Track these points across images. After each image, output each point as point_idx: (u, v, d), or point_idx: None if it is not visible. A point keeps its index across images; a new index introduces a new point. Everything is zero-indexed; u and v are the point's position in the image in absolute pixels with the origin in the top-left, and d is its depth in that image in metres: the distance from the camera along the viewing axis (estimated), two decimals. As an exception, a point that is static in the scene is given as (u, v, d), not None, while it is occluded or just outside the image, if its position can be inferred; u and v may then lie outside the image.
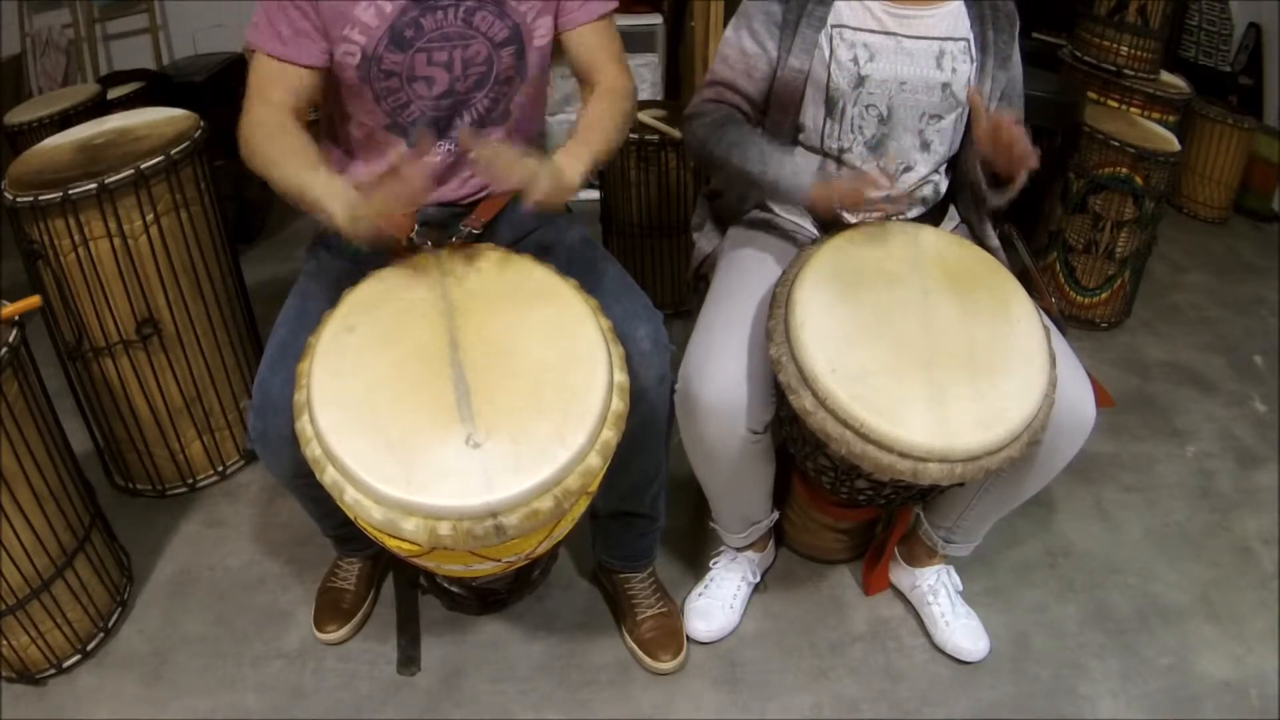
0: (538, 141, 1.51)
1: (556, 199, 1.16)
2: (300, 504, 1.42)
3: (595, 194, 2.62)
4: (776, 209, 1.51)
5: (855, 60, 1.34)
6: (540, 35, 1.32)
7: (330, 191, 1.12)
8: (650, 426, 1.29)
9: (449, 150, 1.36)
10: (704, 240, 1.59)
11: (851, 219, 1.45)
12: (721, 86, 1.42)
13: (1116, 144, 2.29)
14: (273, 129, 1.20)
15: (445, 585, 1.51)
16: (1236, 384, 2.29)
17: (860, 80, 1.34)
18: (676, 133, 2.20)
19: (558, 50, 1.38)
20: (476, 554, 1.07)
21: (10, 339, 1.33)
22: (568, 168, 1.19)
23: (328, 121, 1.42)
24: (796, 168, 1.33)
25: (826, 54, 1.35)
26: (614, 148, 1.30)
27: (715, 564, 1.62)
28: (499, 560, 1.14)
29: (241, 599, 1.65)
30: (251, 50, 1.25)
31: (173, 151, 1.63)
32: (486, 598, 1.53)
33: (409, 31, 1.24)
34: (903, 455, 1.10)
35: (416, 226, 1.36)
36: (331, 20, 1.22)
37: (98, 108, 2.48)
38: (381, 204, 1.09)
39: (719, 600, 1.57)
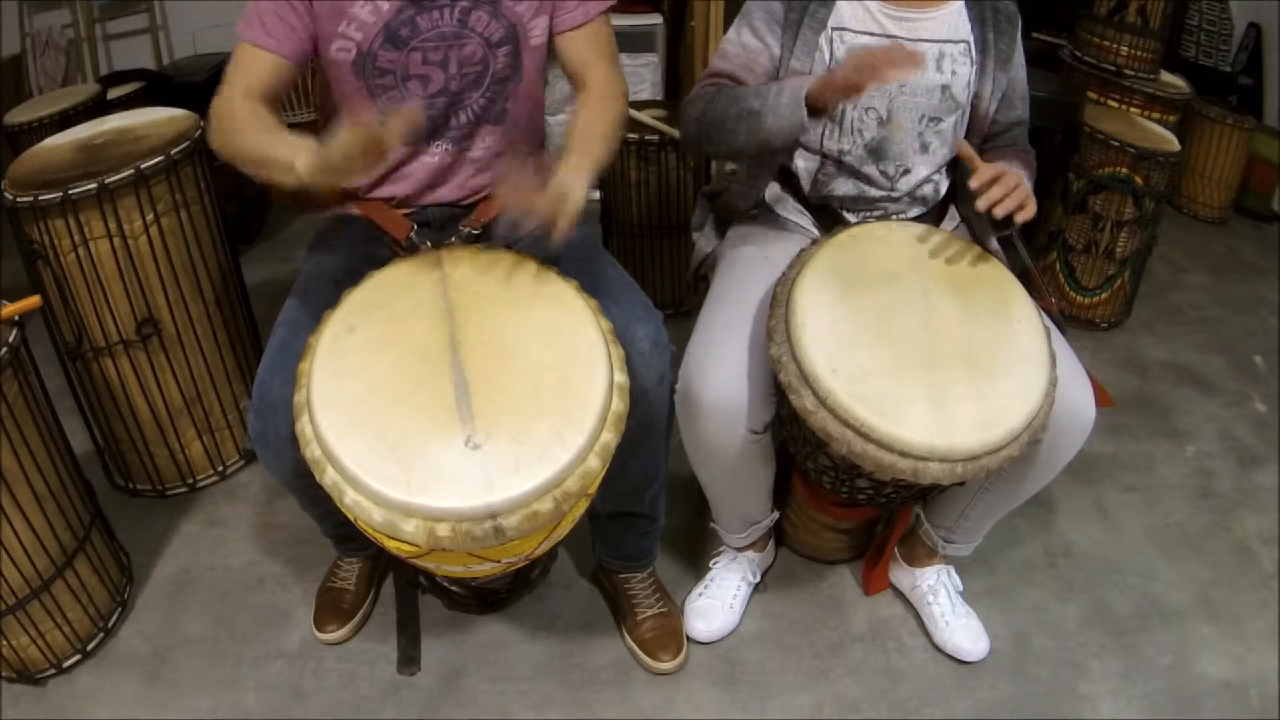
0: (536, 142, 1.51)
1: (570, 223, 1.16)
2: (300, 504, 1.42)
3: (595, 194, 2.62)
4: (777, 208, 1.51)
5: (855, 62, 1.34)
6: (536, 36, 1.32)
7: (292, 143, 1.11)
8: (650, 427, 1.29)
9: (446, 150, 1.36)
10: (704, 240, 1.59)
11: (852, 219, 1.45)
12: (720, 78, 1.41)
13: (1116, 144, 2.29)
14: (235, 107, 1.21)
15: (445, 585, 1.51)
16: (1236, 384, 2.29)
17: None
18: (677, 132, 2.20)
19: (553, 51, 1.38)
20: (476, 555, 1.07)
21: (10, 339, 1.33)
22: (575, 184, 1.19)
23: (325, 121, 1.42)
24: (793, 83, 1.28)
25: (827, 56, 1.35)
26: (612, 152, 1.30)
27: (715, 564, 1.62)
28: (498, 561, 1.14)
29: (241, 599, 1.65)
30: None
31: (173, 151, 1.63)
32: (486, 597, 1.53)
33: (404, 30, 1.24)
34: (903, 455, 1.10)
35: (415, 227, 1.36)
36: (327, 17, 1.22)
37: (98, 108, 2.48)
38: (346, 144, 1.03)
39: (719, 600, 1.57)
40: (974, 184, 1.23)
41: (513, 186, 1.14)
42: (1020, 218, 1.25)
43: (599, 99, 1.33)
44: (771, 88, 1.31)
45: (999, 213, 1.22)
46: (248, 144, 1.17)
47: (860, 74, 1.18)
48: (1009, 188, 1.22)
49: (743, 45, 1.39)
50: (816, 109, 1.27)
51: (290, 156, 1.09)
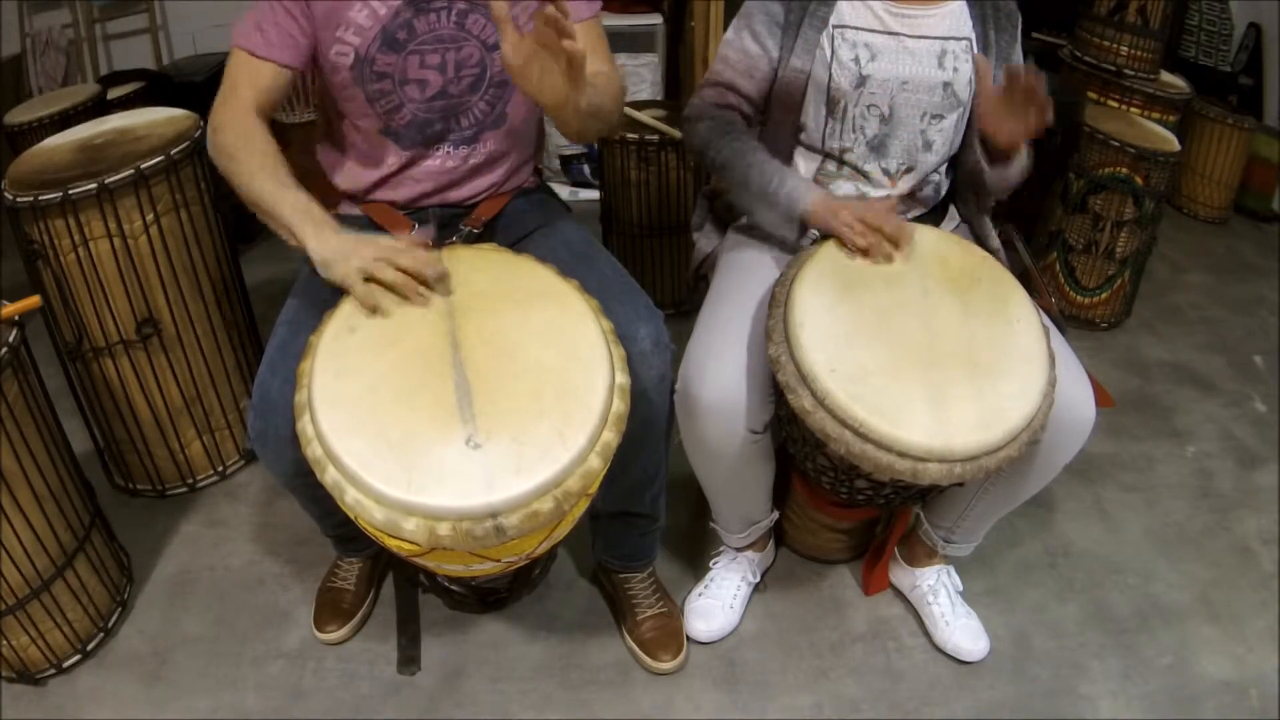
0: (536, 144, 1.51)
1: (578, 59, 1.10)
2: (300, 504, 1.42)
3: (595, 194, 2.62)
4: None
5: (857, 60, 1.34)
6: None
7: (302, 210, 1.16)
8: (650, 426, 1.29)
9: (447, 154, 1.36)
10: (704, 240, 1.59)
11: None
12: (722, 87, 1.42)
13: (1116, 144, 2.29)
14: (243, 132, 1.20)
15: (445, 584, 1.51)
16: (1236, 384, 2.29)
17: (862, 80, 1.34)
18: (676, 133, 2.20)
19: None
20: (476, 554, 1.07)
21: (10, 339, 1.33)
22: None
23: (325, 123, 1.42)
24: (796, 187, 1.33)
25: (828, 54, 1.35)
26: (610, 108, 1.27)
27: (715, 564, 1.62)
28: (499, 560, 1.14)
29: (241, 599, 1.65)
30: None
31: (173, 151, 1.63)
32: (487, 597, 1.53)
33: (401, 33, 1.24)
34: (902, 455, 1.10)
35: (416, 226, 1.36)
36: (325, 21, 1.22)
37: (98, 108, 2.48)
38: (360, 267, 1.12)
39: (719, 600, 1.57)
40: (982, 99, 1.29)
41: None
42: (1033, 126, 1.31)
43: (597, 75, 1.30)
44: (774, 179, 1.34)
45: (1031, 102, 1.28)
46: (255, 188, 1.18)
47: (856, 238, 1.27)
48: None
49: (743, 50, 1.39)
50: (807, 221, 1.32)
51: (299, 230, 1.15)
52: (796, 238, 1.37)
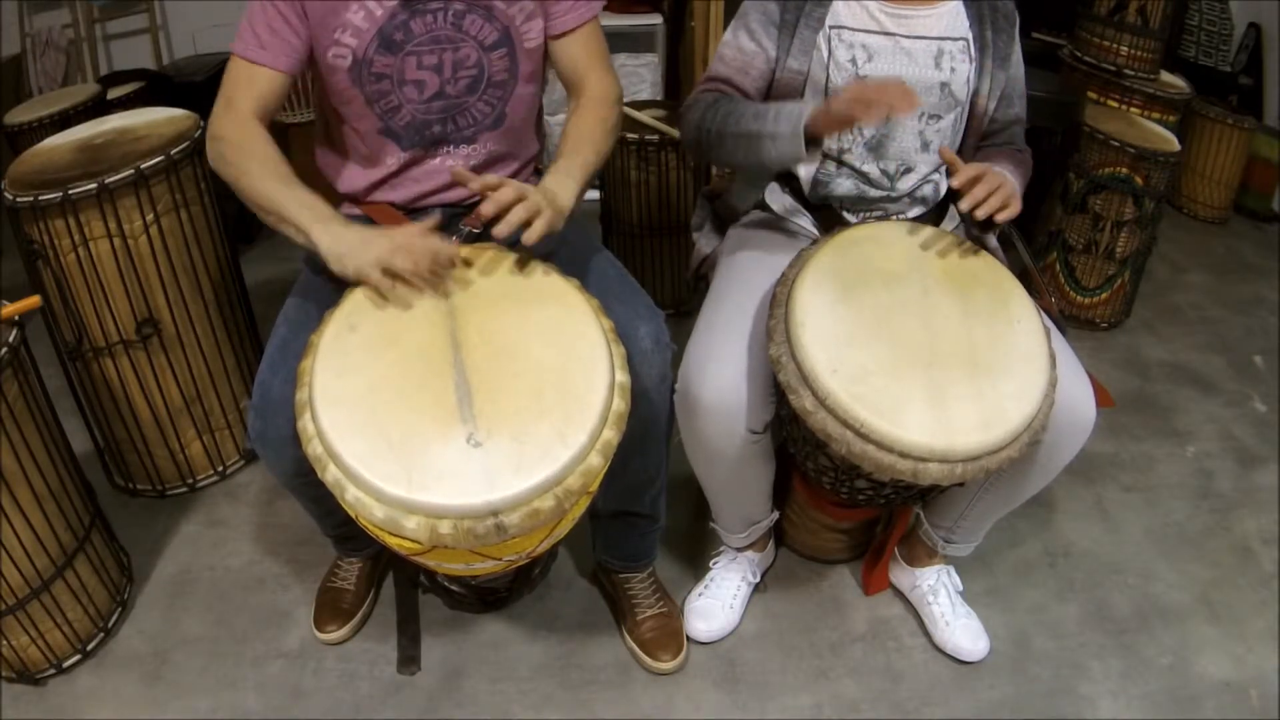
0: (536, 144, 1.51)
1: (555, 227, 1.16)
2: (300, 504, 1.42)
3: (595, 194, 2.62)
4: (776, 207, 1.51)
5: (854, 61, 1.34)
6: (531, 39, 1.32)
7: (309, 207, 1.15)
8: (651, 426, 1.29)
9: (447, 153, 1.36)
10: (704, 240, 1.59)
11: (852, 219, 1.45)
12: (718, 82, 1.41)
13: (1116, 144, 2.29)
14: (241, 137, 1.21)
15: (445, 584, 1.51)
16: (1236, 384, 2.29)
17: (859, 81, 1.34)
18: (676, 132, 2.20)
19: (547, 54, 1.37)
20: (477, 553, 1.07)
21: (10, 339, 1.33)
22: (560, 190, 1.20)
23: (323, 125, 1.42)
24: (791, 111, 1.28)
25: (825, 55, 1.35)
26: (604, 158, 1.30)
27: (715, 564, 1.62)
28: (499, 559, 1.14)
29: (241, 599, 1.65)
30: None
31: (173, 151, 1.63)
32: (487, 596, 1.53)
33: (398, 34, 1.25)
34: (903, 455, 1.10)
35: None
36: (321, 23, 1.22)
37: (98, 108, 2.48)
38: (376, 257, 1.11)
39: (719, 600, 1.57)
40: (955, 183, 1.24)
41: (501, 183, 1.15)
42: (1001, 217, 1.25)
43: (594, 104, 1.33)
44: (770, 110, 1.29)
45: (981, 214, 1.23)
46: (258, 190, 1.17)
47: (855, 108, 1.19)
48: (992, 187, 1.23)
49: (739, 48, 1.39)
50: (813, 138, 1.26)
51: (306, 226, 1.14)
52: (806, 152, 1.28)
